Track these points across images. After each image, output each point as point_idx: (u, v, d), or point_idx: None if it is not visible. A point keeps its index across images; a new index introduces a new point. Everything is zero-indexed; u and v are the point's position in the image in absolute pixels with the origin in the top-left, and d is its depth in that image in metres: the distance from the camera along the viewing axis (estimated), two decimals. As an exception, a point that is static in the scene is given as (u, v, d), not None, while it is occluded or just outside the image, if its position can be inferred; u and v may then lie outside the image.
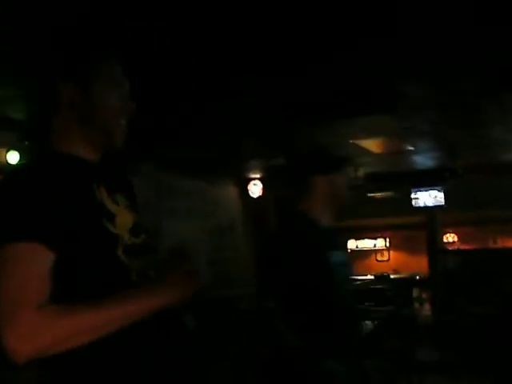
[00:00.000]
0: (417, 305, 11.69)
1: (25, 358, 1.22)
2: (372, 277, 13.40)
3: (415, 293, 12.07)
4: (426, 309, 11.17)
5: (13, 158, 6.29)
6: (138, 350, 1.40)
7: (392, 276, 13.59)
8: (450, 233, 15.08)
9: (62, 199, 1.34)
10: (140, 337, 1.39)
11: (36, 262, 1.27)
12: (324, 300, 2.46)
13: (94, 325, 1.30)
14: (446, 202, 10.20)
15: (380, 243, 17.18)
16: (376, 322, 7.54)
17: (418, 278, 13.02)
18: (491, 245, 13.90)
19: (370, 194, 10.62)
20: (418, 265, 13.54)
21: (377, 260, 16.96)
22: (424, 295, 11.87)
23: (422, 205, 10.46)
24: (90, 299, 1.31)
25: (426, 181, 10.15)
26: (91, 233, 1.37)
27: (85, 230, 1.36)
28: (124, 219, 1.48)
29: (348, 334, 2.53)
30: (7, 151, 6.28)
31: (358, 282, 11.88)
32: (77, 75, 1.50)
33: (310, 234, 2.54)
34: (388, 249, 17.11)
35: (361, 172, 9.44)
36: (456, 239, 15.36)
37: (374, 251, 17.10)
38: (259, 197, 10.23)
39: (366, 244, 17.18)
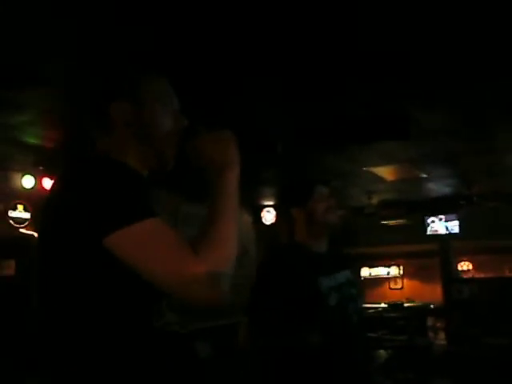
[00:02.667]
0: (431, 334, 11.54)
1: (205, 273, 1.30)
2: (385, 305, 13.28)
3: (429, 322, 11.93)
4: (441, 338, 11.02)
5: (28, 182, 6.35)
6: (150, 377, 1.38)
7: (406, 304, 13.45)
8: (464, 261, 14.94)
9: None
10: (153, 366, 1.38)
11: (168, 227, 1.35)
12: (314, 324, 2.45)
13: (229, 229, 1.44)
14: (460, 230, 10.13)
15: (394, 271, 17.04)
16: (389, 352, 7.45)
17: (432, 306, 12.88)
18: (507, 273, 13.75)
19: (383, 222, 10.57)
20: (433, 293, 13.40)
21: (390, 288, 16.79)
22: (438, 324, 11.72)
23: (436, 232, 10.40)
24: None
25: (440, 208, 10.11)
26: None
27: None
28: None
29: (347, 358, 2.47)
30: (22, 176, 6.35)
31: (371, 311, 11.76)
32: (129, 93, 1.54)
33: (298, 261, 2.60)
34: (402, 277, 16.96)
35: (374, 199, 9.42)
36: (471, 267, 15.21)
37: (388, 279, 16.94)
38: (272, 224, 10.21)
39: (379, 272, 17.04)
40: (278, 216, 10.12)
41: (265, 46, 3.67)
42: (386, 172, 7.62)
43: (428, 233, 10.47)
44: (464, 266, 15.07)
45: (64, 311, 1.37)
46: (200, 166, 1.54)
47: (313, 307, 2.47)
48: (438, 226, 10.36)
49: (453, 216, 10.18)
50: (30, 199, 6.55)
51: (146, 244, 1.30)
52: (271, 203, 10.05)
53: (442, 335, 11.10)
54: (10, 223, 6.45)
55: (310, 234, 2.70)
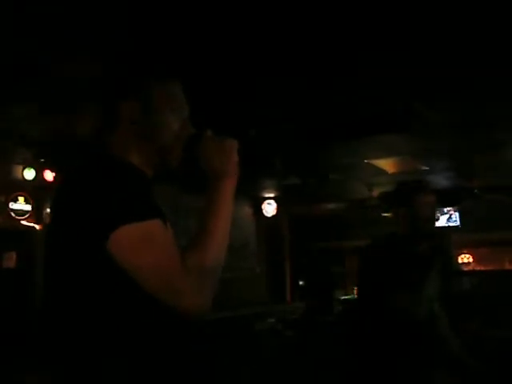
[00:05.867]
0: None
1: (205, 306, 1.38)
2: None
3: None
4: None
5: (29, 174, 6.35)
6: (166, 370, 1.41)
7: (406, 297, 13.46)
8: (465, 253, 14.93)
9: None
10: (166, 352, 1.41)
11: (168, 233, 1.39)
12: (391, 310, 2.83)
13: (220, 244, 1.45)
14: (461, 223, 10.13)
15: (394, 263, 17.03)
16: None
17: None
18: (507, 266, 13.74)
19: (384, 214, 10.56)
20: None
21: (391, 280, 16.80)
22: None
23: (436, 225, 10.40)
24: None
25: (441, 201, 10.08)
26: None
27: None
28: None
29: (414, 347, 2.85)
30: (24, 168, 6.35)
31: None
32: (140, 93, 1.54)
33: (394, 254, 2.96)
34: (402, 269, 16.96)
35: (375, 192, 9.42)
36: (471, 260, 15.19)
37: (388, 271, 16.95)
38: (273, 216, 10.22)
39: (379, 264, 17.02)
40: (278, 209, 10.14)
41: (265, 44, 3.68)
42: (386, 165, 7.61)
43: (429, 225, 10.46)
44: (464, 258, 15.07)
45: (79, 304, 1.38)
46: (202, 170, 1.56)
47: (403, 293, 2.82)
48: (439, 218, 10.36)
49: (453, 208, 10.18)
50: (31, 191, 6.55)
51: (140, 246, 1.32)
52: (272, 195, 10.05)
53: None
54: (11, 215, 6.46)
55: (411, 229, 3.02)
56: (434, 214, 3.10)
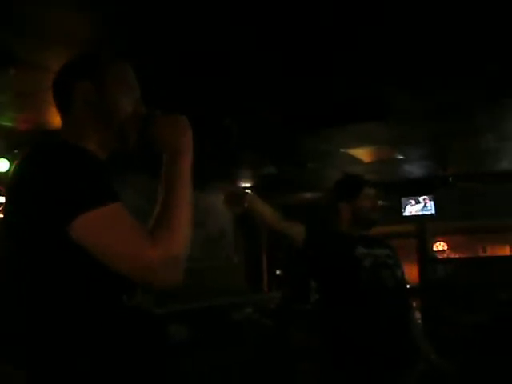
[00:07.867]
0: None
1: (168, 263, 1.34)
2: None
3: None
4: (416, 318, 11.15)
5: (3, 166, 6.27)
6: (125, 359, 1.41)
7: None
8: (439, 241, 15.11)
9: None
10: (119, 343, 1.41)
11: (127, 212, 1.37)
12: (351, 279, 2.94)
13: (184, 213, 1.42)
14: (436, 211, 10.24)
15: (370, 252, 17.14)
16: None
17: (408, 286, 13.00)
18: (481, 253, 13.94)
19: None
20: (408, 274, 13.46)
21: (367, 269, 16.93)
22: (414, 304, 11.86)
23: (412, 214, 10.49)
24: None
25: (416, 190, 10.20)
26: None
27: None
28: None
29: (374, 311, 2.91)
30: (-3, 159, 6.26)
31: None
32: (93, 73, 1.55)
33: (337, 238, 3.11)
34: (378, 257, 17.09)
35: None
36: (446, 248, 15.38)
37: (364, 260, 17.06)
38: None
39: (355, 253, 17.10)
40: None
41: (243, 32, 3.67)
42: (362, 153, 7.66)
43: (404, 214, 10.56)
44: (439, 246, 15.24)
45: (30, 292, 1.37)
46: (157, 151, 1.55)
47: (351, 268, 2.95)
48: (414, 207, 10.45)
49: (428, 197, 10.28)
50: (5, 183, 6.46)
51: (104, 229, 1.32)
52: (249, 185, 10.04)
53: (417, 315, 11.24)
54: (-15, 207, 6.37)
55: (353, 227, 3.12)
56: (375, 206, 3.15)
